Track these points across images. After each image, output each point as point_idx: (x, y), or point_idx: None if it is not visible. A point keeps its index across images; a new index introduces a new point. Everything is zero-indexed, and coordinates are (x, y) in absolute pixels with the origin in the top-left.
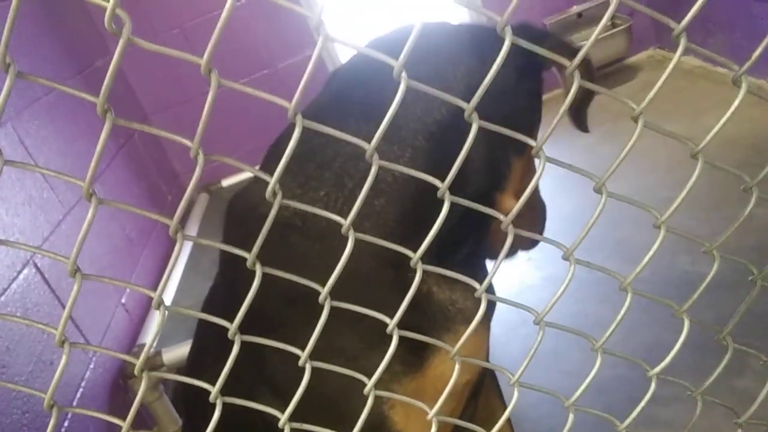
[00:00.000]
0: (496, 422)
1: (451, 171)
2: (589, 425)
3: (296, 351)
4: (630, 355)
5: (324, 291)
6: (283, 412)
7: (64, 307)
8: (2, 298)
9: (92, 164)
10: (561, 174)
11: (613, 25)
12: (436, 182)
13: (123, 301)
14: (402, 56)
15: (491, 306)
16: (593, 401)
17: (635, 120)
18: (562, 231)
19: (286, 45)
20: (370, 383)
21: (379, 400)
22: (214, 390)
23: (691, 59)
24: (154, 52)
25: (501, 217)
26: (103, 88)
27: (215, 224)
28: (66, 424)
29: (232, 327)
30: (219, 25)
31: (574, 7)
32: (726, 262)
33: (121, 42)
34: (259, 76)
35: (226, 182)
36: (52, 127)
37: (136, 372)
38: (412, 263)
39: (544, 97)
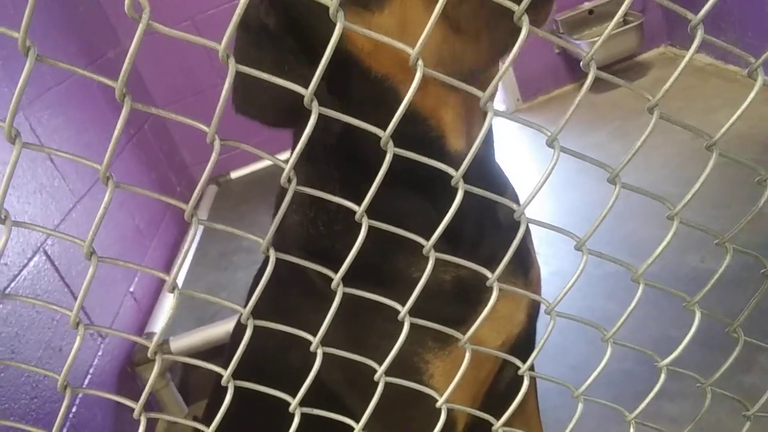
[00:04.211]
0: (527, 410)
1: (465, 161)
2: (596, 418)
3: (307, 338)
4: (637, 348)
5: (336, 277)
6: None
7: (73, 294)
8: (13, 284)
9: (110, 147)
10: (570, 169)
11: (625, 22)
12: (450, 170)
13: (131, 289)
14: (418, 45)
15: (525, 258)
16: (600, 394)
17: (651, 111)
18: (571, 225)
19: None
20: (381, 369)
21: (418, 372)
22: (226, 374)
23: (702, 57)
24: (167, 44)
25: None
26: (122, 72)
27: (224, 215)
28: (74, 410)
29: (245, 312)
30: (237, 11)
31: (586, 3)
32: (734, 259)
33: (140, 27)
34: None
35: (234, 174)
36: (63, 117)
37: (149, 355)
38: (424, 251)
39: (553, 93)
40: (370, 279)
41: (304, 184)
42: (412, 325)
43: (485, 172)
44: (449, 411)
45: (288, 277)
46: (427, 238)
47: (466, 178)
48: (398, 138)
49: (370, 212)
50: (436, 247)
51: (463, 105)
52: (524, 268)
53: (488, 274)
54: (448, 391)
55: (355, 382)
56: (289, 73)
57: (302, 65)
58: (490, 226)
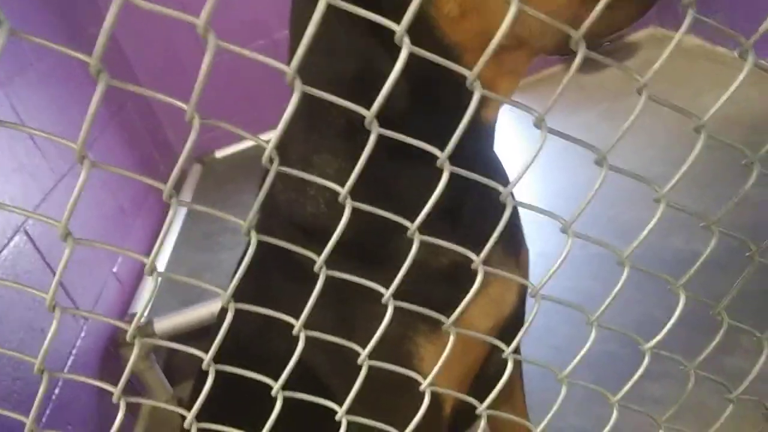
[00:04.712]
0: (512, 392)
1: (450, 141)
2: (578, 399)
3: (290, 322)
4: (621, 330)
5: (319, 260)
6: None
7: (55, 274)
8: None
9: (84, 126)
10: (557, 150)
11: None
12: (436, 151)
13: (114, 270)
14: (404, 22)
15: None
16: (583, 376)
17: (640, 92)
18: (557, 206)
19: (282, 15)
20: (364, 353)
21: (408, 355)
22: (207, 358)
23: (690, 38)
24: (152, 22)
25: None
26: (97, 46)
27: (208, 195)
28: (56, 391)
29: (226, 295)
30: None
31: None
32: (718, 241)
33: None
34: (254, 46)
35: (219, 153)
36: (44, 94)
37: (128, 338)
38: (408, 233)
39: (542, 74)
40: (367, 260)
41: (308, 158)
42: (403, 309)
43: (482, 156)
44: (436, 393)
45: (275, 258)
46: (437, 219)
47: (463, 160)
48: (442, 101)
49: (376, 193)
50: (436, 227)
51: (520, 76)
52: (515, 248)
53: (473, 257)
54: (434, 372)
55: (342, 367)
56: (339, 42)
57: (354, 35)
58: (489, 209)
